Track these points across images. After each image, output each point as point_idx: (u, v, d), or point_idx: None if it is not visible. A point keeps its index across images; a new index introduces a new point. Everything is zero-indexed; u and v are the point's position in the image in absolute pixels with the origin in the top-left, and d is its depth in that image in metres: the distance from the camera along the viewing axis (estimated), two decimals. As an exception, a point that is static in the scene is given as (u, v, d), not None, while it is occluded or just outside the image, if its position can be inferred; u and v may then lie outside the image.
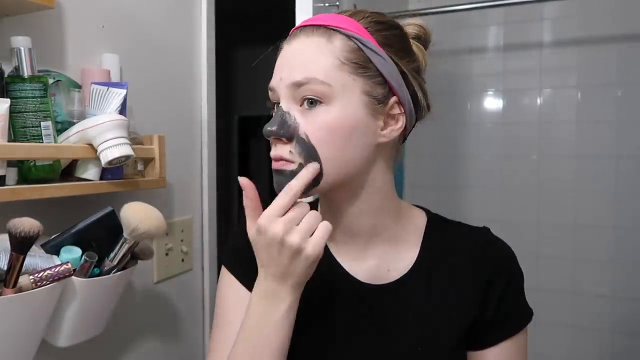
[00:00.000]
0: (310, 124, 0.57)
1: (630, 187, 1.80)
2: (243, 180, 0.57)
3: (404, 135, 0.65)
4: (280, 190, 0.57)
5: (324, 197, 0.68)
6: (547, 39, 1.91)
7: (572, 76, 1.88)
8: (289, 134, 0.57)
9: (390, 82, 0.60)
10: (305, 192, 0.58)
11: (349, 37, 0.58)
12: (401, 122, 0.62)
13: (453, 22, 1.99)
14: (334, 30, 0.58)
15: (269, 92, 0.62)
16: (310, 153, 0.57)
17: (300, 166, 0.58)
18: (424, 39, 0.68)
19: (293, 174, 0.57)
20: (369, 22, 0.60)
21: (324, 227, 0.55)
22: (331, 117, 0.57)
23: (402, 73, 0.61)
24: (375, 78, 0.59)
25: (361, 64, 0.58)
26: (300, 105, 0.58)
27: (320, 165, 0.57)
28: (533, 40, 1.92)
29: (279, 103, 0.60)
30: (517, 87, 1.96)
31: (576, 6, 1.81)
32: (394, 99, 0.61)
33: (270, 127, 0.57)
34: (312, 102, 0.57)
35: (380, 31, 0.60)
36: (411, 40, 0.65)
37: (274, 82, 0.60)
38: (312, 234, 0.55)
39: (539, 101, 1.94)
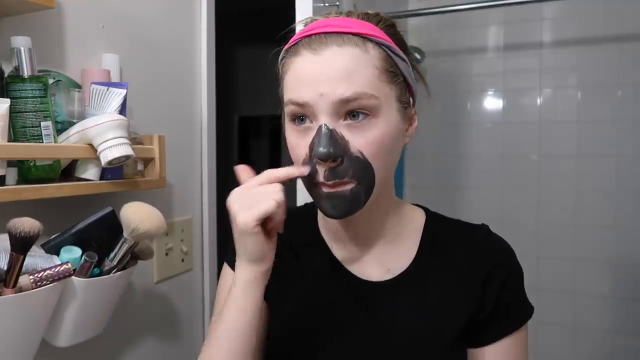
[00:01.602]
0: (361, 139, 0.55)
1: (630, 187, 1.80)
2: (238, 168, 0.58)
3: None
4: (335, 216, 0.58)
5: None
6: (547, 39, 1.91)
7: (572, 76, 1.88)
8: (342, 153, 0.55)
9: (411, 85, 0.61)
10: (359, 206, 0.58)
11: (379, 45, 0.57)
12: (416, 122, 0.64)
13: (453, 22, 1.99)
14: (365, 38, 0.56)
15: (294, 106, 0.57)
16: (366, 169, 0.56)
17: (358, 185, 0.56)
18: None
19: (354, 194, 0.56)
20: (386, 26, 0.60)
21: (265, 204, 0.53)
22: (381, 130, 0.56)
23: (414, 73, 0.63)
24: (403, 83, 0.60)
25: (394, 72, 0.58)
26: (344, 120, 0.56)
27: (374, 178, 0.57)
28: (533, 40, 1.92)
29: (303, 117, 0.57)
30: (517, 87, 1.96)
31: (576, 6, 1.81)
32: (411, 100, 0.62)
33: (326, 150, 0.54)
34: (355, 115, 0.55)
35: (395, 34, 0.61)
36: None
37: (308, 97, 0.55)
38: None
39: (539, 101, 1.94)
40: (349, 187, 0.56)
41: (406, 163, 2.07)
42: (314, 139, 0.56)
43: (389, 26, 0.60)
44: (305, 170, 0.56)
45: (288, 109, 0.58)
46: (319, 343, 0.65)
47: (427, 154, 2.08)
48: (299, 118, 0.58)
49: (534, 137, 1.94)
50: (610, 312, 1.84)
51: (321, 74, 0.55)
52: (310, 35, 0.57)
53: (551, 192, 1.92)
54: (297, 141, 0.59)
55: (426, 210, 0.73)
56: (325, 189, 0.57)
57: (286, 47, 0.61)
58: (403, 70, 0.59)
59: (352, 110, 0.55)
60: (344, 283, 0.67)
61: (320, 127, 0.55)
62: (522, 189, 1.96)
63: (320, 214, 0.73)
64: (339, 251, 0.69)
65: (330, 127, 0.55)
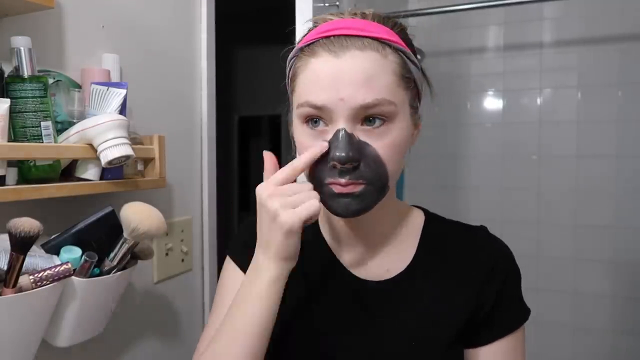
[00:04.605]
0: (378, 144, 0.56)
1: (630, 187, 1.80)
2: (266, 154, 0.60)
3: None
4: (345, 215, 0.58)
5: None
6: (547, 39, 1.91)
7: (572, 76, 1.88)
8: (359, 157, 0.55)
9: (420, 89, 0.62)
10: (369, 205, 0.58)
11: (397, 50, 0.57)
12: (420, 125, 0.64)
13: (453, 22, 1.99)
14: (384, 43, 0.56)
15: (311, 108, 0.56)
16: (381, 172, 0.56)
17: (369, 186, 0.56)
18: None
19: (364, 194, 0.56)
20: (399, 30, 0.60)
21: (310, 206, 0.55)
22: (396, 135, 0.57)
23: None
24: (414, 89, 0.60)
25: (409, 78, 0.58)
26: (361, 125, 0.56)
27: (387, 180, 0.58)
28: (533, 40, 1.92)
29: (317, 119, 0.57)
30: (517, 87, 1.97)
31: (576, 6, 1.81)
32: (418, 105, 0.62)
33: (345, 153, 0.54)
34: (372, 120, 0.55)
35: (407, 38, 0.61)
36: None
37: (327, 101, 0.55)
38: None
39: (539, 101, 1.94)
40: (359, 188, 0.56)
41: (406, 163, 2.07)
42: (330, 142, 0.56)
43: (402, 31, 0.60)
44: (325, 145, 0.56)
45: (302, 110, 0.58)
46: (318, 342, 0.65)
47: (427, 154, 2.08)
48: (313, 120, 0.57)
49: (534, 137, 1.94)
50: (610, 312, 1.84)
51: (342, 78, 0.54)
52: (329, 37, 0.56)
53: (551, 192, 1.92)
54: (311, 143, 0.58)
55: (425, 211, 0.73)
56: (336, 189, 0.56)
57: (300, 44, 0.60)
58: (415, 75, 0.60)
59: (369, 115, 0.55)
60: (344, 283, 0.67)
61: (338, 131, 0.55)
62: (522, 189, 1.96)
63: (321, 215, 0.72)
64: (340, 251, 0.69)
65: (349, 132, 0.55)
